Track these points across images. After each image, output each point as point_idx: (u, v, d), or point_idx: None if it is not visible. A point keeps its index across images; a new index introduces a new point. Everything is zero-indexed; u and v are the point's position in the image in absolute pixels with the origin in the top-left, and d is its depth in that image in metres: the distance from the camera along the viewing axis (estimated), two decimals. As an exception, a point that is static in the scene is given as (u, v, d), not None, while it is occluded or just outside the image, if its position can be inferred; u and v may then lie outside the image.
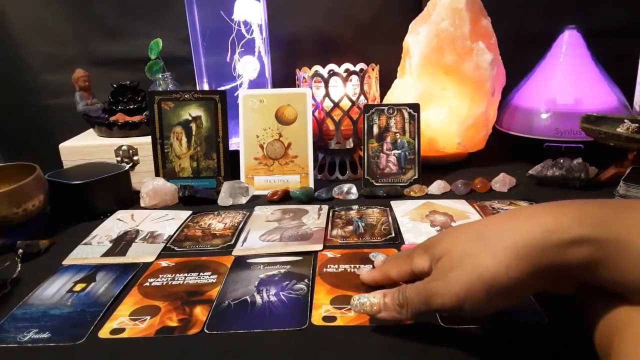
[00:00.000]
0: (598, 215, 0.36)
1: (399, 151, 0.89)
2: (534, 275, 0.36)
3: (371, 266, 0.58)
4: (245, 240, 0.69)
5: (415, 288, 0.43)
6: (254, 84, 1.02)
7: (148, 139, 0.91)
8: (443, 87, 0.93)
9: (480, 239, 0.39)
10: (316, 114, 0.94)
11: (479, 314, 0.40)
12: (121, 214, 0.81)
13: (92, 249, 0.68)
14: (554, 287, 0.40)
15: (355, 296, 0.46)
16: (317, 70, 0.93)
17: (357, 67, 0.93)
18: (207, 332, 0.48)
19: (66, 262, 0.65)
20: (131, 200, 0.86)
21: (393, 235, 0.68)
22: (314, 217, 0.75)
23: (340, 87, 0.92)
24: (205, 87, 1.02)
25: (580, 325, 0.42)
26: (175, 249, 0.67)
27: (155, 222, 0.77)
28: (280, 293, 0.54)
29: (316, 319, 0.49)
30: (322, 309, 0.50)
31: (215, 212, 0.80)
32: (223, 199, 0.84)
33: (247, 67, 1.00)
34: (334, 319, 0.49)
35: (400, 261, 0.49)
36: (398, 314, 0.43)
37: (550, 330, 0.46)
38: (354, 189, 0.85)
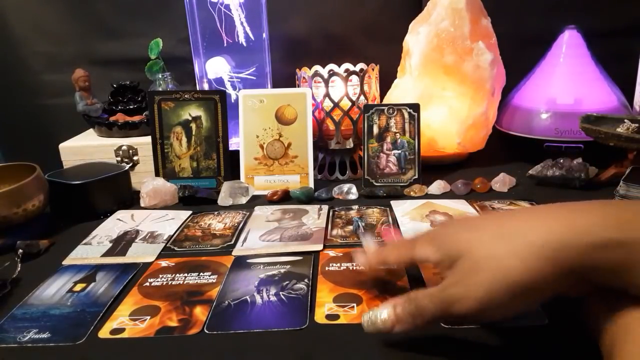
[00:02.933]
0: (624, 217, 0.35)
1: (399, 151, 0.89)
2: (561, 277, 0.35)
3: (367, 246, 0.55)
4: (245, 240, 0.69)
5: (429, 295, 0.40)
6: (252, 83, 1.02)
7: (148, 139, 0.91)
8: (443, 87, 0.93)
9: (503, 237, 0.37)
10: (316, 114, 0.94)
11: (497, 319, 0.39)
12: (121, 214, 0.81)
13: (92, 249, 0.68)
14: (573, 290, 0.39)
15: (364, 315, 0.43)
16: (317, 70, 0.93)
17: (357, 67, 0.93)
18: (207, 332, 0.48)
19: (66, 262, 0.65)
20: (131, 200, 0.86)
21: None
22: (314, 217, 0.75)
23: (340, 87, 0.92)
24: (205, 87, 1.02)
25: (581, 325, 0.42)
26: (175, 249, 0.67)
27: (155, 222, 0.77)
28: (280, 293, 0.54)
29: (319, 317, 0.49)
30: (325, 308, 0.51)
31: (215, 212, 0.80)
32: (223, 199, 0.84)
33: (218, 69, 1.00)
34: (337, 317, 0.49)
35: (401, 248, 0.47)
36: (412, 325, 0.40)
37: (550, 331, 0.46)
38: (354, 189, 0.85)
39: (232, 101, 1.01)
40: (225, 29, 0.98)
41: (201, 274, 0.59)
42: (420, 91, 0.93)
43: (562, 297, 0.44)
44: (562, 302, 0.48)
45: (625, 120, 0.81)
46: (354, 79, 0.92)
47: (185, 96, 0.90)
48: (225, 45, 0.99)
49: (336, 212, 0.78)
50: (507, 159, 1.01)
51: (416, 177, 0.88)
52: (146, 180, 0.85)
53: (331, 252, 0.63)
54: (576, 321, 0.43)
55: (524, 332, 0.46)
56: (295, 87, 0.98)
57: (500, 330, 0.46)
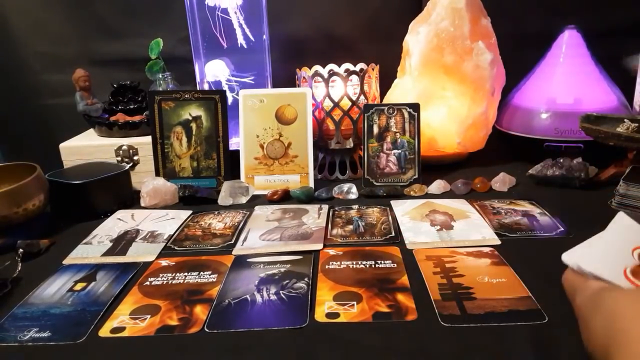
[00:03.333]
0: None
1: (399, 151, 0.89)
2: None
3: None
4: (245, 239, 0.69)
5: None
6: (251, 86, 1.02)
7: (148, 138, 0.91)
8: (443, 86, 0.93)
9: None
10: (316, 113, 0.94)
11: None
12: (121, 213, 0.81)
13: (92, 249, 0.68)
14: None
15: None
16: (317, 70, 0.93)
17: (357, 67, 0.93)
18: (207, 330, 0.48)
19: (66, 261, 0.65)
20: (131, 200, 0.86)
21: (393, 234, 0.68)
22: (314, 217, 0.75)
23: (340, 87, 0.92)
24: (206, 87, 1.02)
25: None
26: (176, 248, 0.67)
27: (155, 222, 0.77)
28: (280, 292, 0.54)
29: (319, 315, 0.49)
30: (325, 306, 0.51)
31: (216, 212, 0.80)
32: (223, 199, 0.84)
33: (217, 72, 1.00)
34: (337, 315, 0.49)
35: None
36: None
37: (550, 329, 0.46)
38: (354, 189, 0.85)
39: (229, 104, 1.01)
40: (225, 33, 0.98)
41: (201, 273, 0.59)
42: (420, 91, 0.93)
43: (562, 297, 0.44)
44: (562, 302, 0.48)
45: (625, 120, 0.81)
46: (354, 79, 0.92)
47: (186, 96, 0.90)
48: (225, 47, 0.99)
49: (336, 212, 0.78)
50: (507, 159, 1.01)
51: (416, 176, 0.88)
52: (146, 180, 0.86)
53: (331, 251, 0.64)
54: (576, 321, 0.43)
55: (524, 330, 0.46)
56: (295, 87, 0.98)
57: (500, 330, 0.46)
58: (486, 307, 0.49)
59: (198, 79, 1.02)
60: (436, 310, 0.49)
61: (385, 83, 1.01)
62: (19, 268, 0.62)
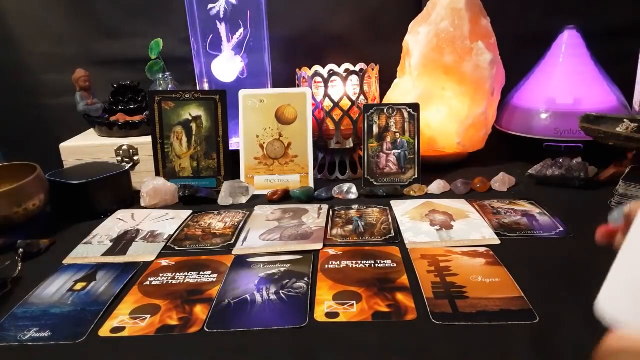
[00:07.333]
0: None
1: (399, 151, 0.89)
2: None
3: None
4: (245, 239, 0.69)
5: None
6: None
7: (148, 138, 0.92)
8: (443, 87, 0.93)
9: None
10: (316, 113, 0.94)
11: None
12: (121, 213, 0.81)
13: (92, 249, 0.68)
14: None
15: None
16: (317, 70, 0.93)
17: (357, 67, 0.93)
18: (207, 330, 0.48)
19: (67, 261, 0.65)
20: (131, 199, 0.86)
21: (393, 234, 0.68)
22: (314, 217, 0.75)
23: (340, 87, 0.92)
24: (206, 87, 1.02)
25: (570, 323, 0.42)
26: (176, 248, 0.67)
27: (155, 222, 0.77)
28: (280, 292, 0.54)
29: (319, 315, 0.49)
30: (324, 306, 0.51)
31: (216, 212, 0.80)
32: (223, 199, 0.84)
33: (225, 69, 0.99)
34: (336, 315, 0.49)
35: None
36: None
37: (541, 329, 0.46)
38: (354, 189, 0.86)
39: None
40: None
41: (201, 273, 0.60)
42: (420, 91, 0.93)
43: (554, 297, 0.45)
44: (554, 301, 0.48)
45: (625, 120, 0.81)
46: (354, 79, 0.92)
47: (186, 96, 0.90)
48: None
49: (336, 212, 0.78)
50: (507, 159, 1.01)
51: (416, 176, 0.88)
52: (146, 180, 0.86)
53: (331, 251, 0.64)
54: (566, 320, 0.44)
55: (516, 330, 0.46)
56: (295, 87, 0.98)
57: (492, 329, 0.46)
58: (478, 306, 0.49)
59: (198, 79, 1.02)
60: (428, 308, 0.49)
61: (385, 83, 1.01)
62: (19, 268, 0.62)
